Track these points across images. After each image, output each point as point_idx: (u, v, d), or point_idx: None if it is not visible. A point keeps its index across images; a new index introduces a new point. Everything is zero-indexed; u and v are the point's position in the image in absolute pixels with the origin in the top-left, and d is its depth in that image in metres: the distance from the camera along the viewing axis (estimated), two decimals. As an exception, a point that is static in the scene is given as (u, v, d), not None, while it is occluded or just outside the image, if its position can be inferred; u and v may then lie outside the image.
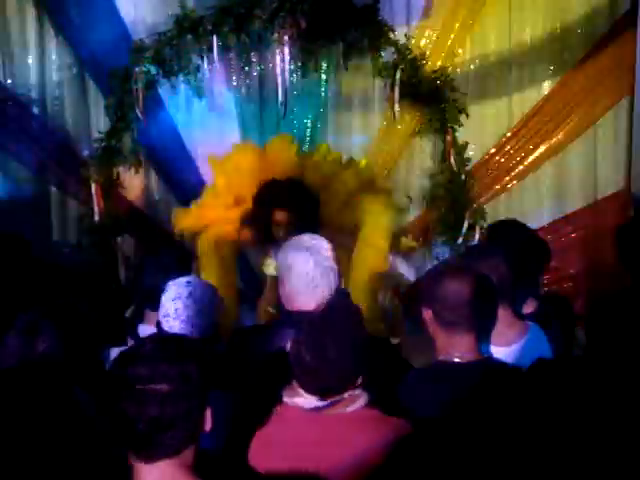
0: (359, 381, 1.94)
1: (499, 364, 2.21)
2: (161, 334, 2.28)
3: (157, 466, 1.58)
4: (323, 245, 2.49)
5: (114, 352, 2.82)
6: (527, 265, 2.56)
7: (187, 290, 2.34)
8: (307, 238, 2.51)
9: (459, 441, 1.95)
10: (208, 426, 1.63)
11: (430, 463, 1.87)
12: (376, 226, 3.76)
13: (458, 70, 4.75)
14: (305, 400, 1.91)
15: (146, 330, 2.60)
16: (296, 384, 1.94)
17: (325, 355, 1.87)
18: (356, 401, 1.93)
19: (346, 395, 1.91)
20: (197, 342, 1.71)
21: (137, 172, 4.42)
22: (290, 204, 3.74)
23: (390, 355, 2.44)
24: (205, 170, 4.47)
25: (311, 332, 1.93)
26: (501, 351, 2.31)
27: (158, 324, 2.34)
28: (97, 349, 2.42)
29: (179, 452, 1.58)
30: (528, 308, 2.68)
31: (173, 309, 2.31)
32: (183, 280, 2.38)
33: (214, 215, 3.98)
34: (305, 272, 2.41)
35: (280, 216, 3.76)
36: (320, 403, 1.90)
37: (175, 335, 2.04)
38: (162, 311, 2.34)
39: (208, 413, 1.62)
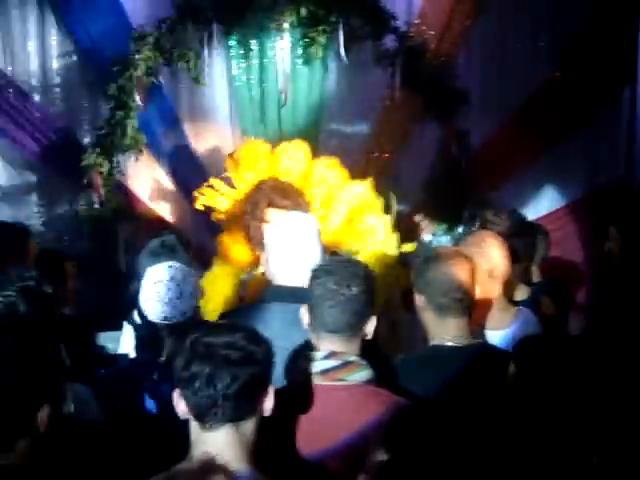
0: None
1: (491, 347, 2.22)
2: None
3: (218, 433, 1.63)
4: (309, 221, 2.52)
5: (103, 337, 2.86)
6: (518, 251, 2.57)
7: (169, 273, 2.36)
8: (294, 215, 2.54)
9: (453, 422, 1.97)
10: (270, 404, 1.68)
11: (427, 440, 1.88)
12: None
13: (459, 58, 4.75)
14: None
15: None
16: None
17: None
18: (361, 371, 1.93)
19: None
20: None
21: (137, 160, 4.42)
22: (282, 205, 3.74)
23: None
24: (204, 158, 4.48)
25: None
26: (493, 335, 2.32)
27: (138, 308, 2.37)
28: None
29: (239, 421, 1.64)
30: (521, 294, 2.69)
31: (154, 292, 2.33)
32: (165, 264, 2.40)
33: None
34: (286, 247, 2.43)
35: (271, 215, 3.75)
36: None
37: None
38: (143, 294, 2.36)
39: (271, 391, 1.69)
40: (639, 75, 4.79)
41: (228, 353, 1.63)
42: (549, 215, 4.88)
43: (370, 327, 1.98)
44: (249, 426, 1.66)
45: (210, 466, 1.62)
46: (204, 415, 1.63)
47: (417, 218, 4.43)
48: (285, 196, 3.76)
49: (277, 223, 2.57)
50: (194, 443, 1.66)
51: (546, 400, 1.64)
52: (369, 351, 2.05)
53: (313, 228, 2.52)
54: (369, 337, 1.99)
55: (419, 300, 2.23)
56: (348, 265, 2.02)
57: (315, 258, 2.40)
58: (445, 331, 2.19)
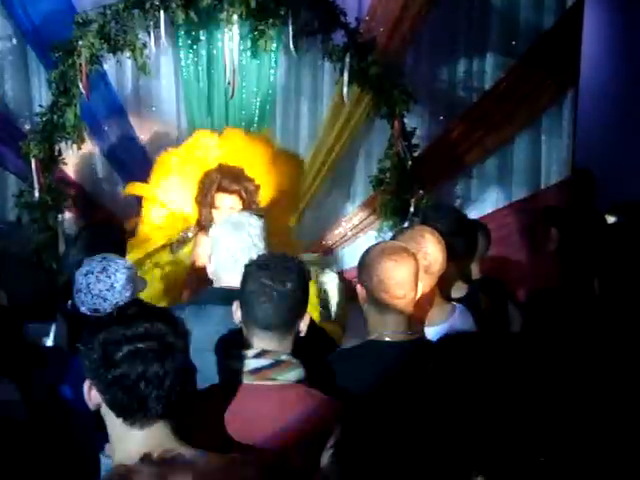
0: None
1: (428, 343, 2.22)
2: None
3: (149, 430, 1.56)
4: (252, 222, 2.46)
5: (32, 328, 2.78)
6: (456, 248, 2.58)
7: (100, 265, 2.31)
8: (237, 215, 2.50)
9: (385, 418, 1.96)
10: (193, 386, 1.64)
11: (356, 439, 1.87)
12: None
13: (408, 56, 4.77)
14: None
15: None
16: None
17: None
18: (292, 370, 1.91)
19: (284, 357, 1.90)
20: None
21: (79, 148, 4.32)
22: (231, 189, 3.74)
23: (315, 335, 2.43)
24: (149, 148, 4.40)
25: None
26: (428, 330, 2.32)
27: (72, 300, 2.32)
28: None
29: (172, 413, 1.58)
30: (458, 292, 2.71)
31: (85, 284, 2.29)
32: (99, 256, 2.36)
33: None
34: (226, 247, 2.38)
35: (220, 200, 3.75)
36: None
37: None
38: (75, 286, 2.32)
39: (193, 373, 1.65)
40: (582, 77, 4.91)
41: (149, 346, 1.53)
42: (493, 213, 4.95)
43: (304, 324, 1.96)
44: (175, 417, 1.59)
45: (165, 461, 1.54)
46: (129, 415, 1.55)
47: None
48: (234, 180, 3.76)
49: (221, 224, 2.51)
50: (120, 440, 1.58)
51: (456, 399, 1.64)
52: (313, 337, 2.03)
53: (257, 229, 2.45)
54: (302, 334, 1.97)
55: (361, 293, 2.20)
56: (282, 261, 1.98)
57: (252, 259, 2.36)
58: (384, 326, 2.17)
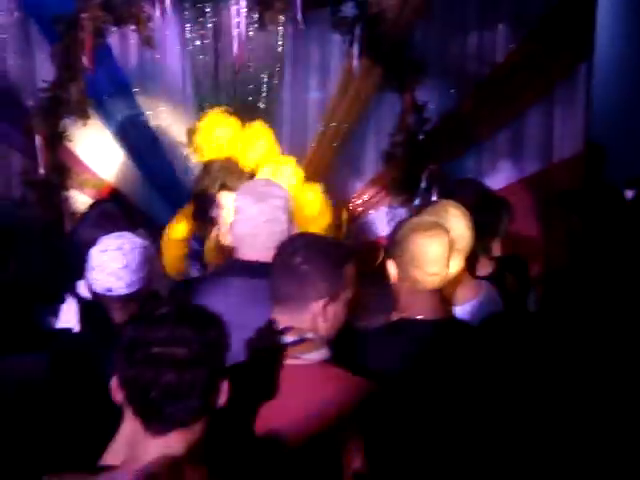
0: None
1: (460, 322, 2.16)
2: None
3: (164, 439, 1.46)
4: (275, 192, 2.37)
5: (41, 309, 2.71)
6: (482, 224, 2.50)
7: (116, 243, 2.24)
8: (262, 183, 2.42)
9: (415, 400, 1.91)
10: (223, 399, 1.51)
11: (386, 420, 1.82)
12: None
13: (418, 28, 4.66)
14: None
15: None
16: None
17: None
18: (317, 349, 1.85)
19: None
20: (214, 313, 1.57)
21: (85, 125, 4.23)
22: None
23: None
24: (154, 122, 4.32)
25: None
26: (456, 309, 2.26)
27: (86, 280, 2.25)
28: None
29: (190, 424, 1.47)
30: (484, 269, 2.64)
31: (99, 261, 2.21)
32: (115, 234, 2.29)
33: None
34: (246, 219, 2.31)
35: (225, 199, 3.62)
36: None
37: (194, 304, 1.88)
38: (89, 264, 2.25)
39: (225, 385, 1.51)
40: (596, 51, 4.82)
41: (166, 352, 1.43)
42: (505, 189, 4.87)
43: (331, 309, 1.88)
44: (199, 427, 1.49)
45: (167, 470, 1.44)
46: (148, 420, 1.47)
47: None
48: (239, 178, 3.65)
49: (244, 192, 2.41)
50: (135, 441, 1.49)
51: (510, 379, 1.60)
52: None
53: (281, 200, 2.35)
54: (328, 322, 1.89)
55: (392, 270, 2.13)
56: (296, 237, 1.96)
57: (283, 233, 2.27)
58: (416, 304, 2.10)
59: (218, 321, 1.52)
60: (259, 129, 4.01)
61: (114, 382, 1.51)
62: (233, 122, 3.97)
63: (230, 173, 3.68)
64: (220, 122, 3.93)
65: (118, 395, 1.50)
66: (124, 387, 1.48)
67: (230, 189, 3.61)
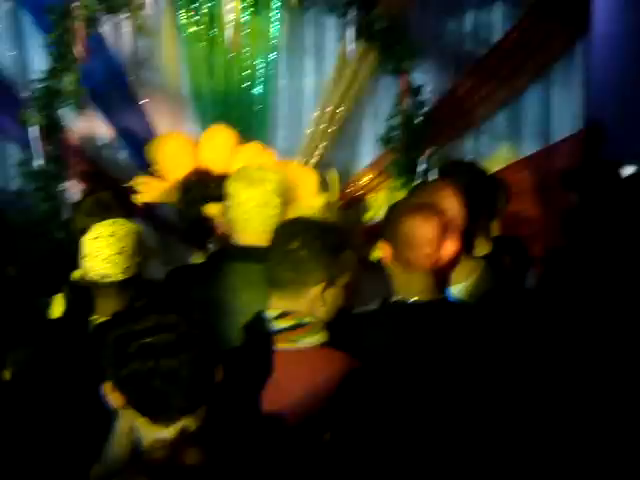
0: None
1: (453, 302, 2.15)
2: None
3: (174, 427, 1.47)
4: (269, 177, 2.37)
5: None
6: (478, 204, 2.48)
7: (109, 230, 2.23)
8: (255, 168, 2.41)
9: (411, 383, 1.91)
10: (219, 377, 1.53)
11: (383, 403, 1.83)
12: None
13: (414, 10, 4.63)
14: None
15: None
16: None
17: None
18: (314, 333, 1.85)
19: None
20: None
21: (80, 115, 4.21)
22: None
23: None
24: (150, 111, 4.30)
25: None
26: (452, 288, 2.24)
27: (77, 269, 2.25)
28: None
29: (194, 411, 1.49)
30: (482, 249, 2.62)
31: (93, 248, 2.21)
32: (108, 221, 2.28)
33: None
34: (238, 203, 2.31)
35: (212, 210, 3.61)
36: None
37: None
38: (82, 251, 2.24)
39: (219, 369, 1.54)
40: (593, 27, 4.78)
41: (159, 339, 1.44)
42: (505, 169, 4.85)
43: (329, 295, 1.89)
44: (200, 413, 1.50)
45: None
46: (155, 413, 1.47)
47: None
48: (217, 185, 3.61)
49: (237, 177, 2.41)
50: (144, 436, 1.49)
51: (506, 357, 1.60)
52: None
53: (274, 184, 2.35)
54: (326, 307, 1.90)
55: (386, 253, 2.12)
56: (293, 222, 1.97)
57: (277, 217, 2.28)
58: (411, 286, 2.09)
59: (195, 307, 1.56)
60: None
61: (107, 388, 1.50)
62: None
63: (205, 186, 3.67)
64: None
65: (115, 400, 1.50)
66: (122, 388, 1.48)
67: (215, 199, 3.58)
